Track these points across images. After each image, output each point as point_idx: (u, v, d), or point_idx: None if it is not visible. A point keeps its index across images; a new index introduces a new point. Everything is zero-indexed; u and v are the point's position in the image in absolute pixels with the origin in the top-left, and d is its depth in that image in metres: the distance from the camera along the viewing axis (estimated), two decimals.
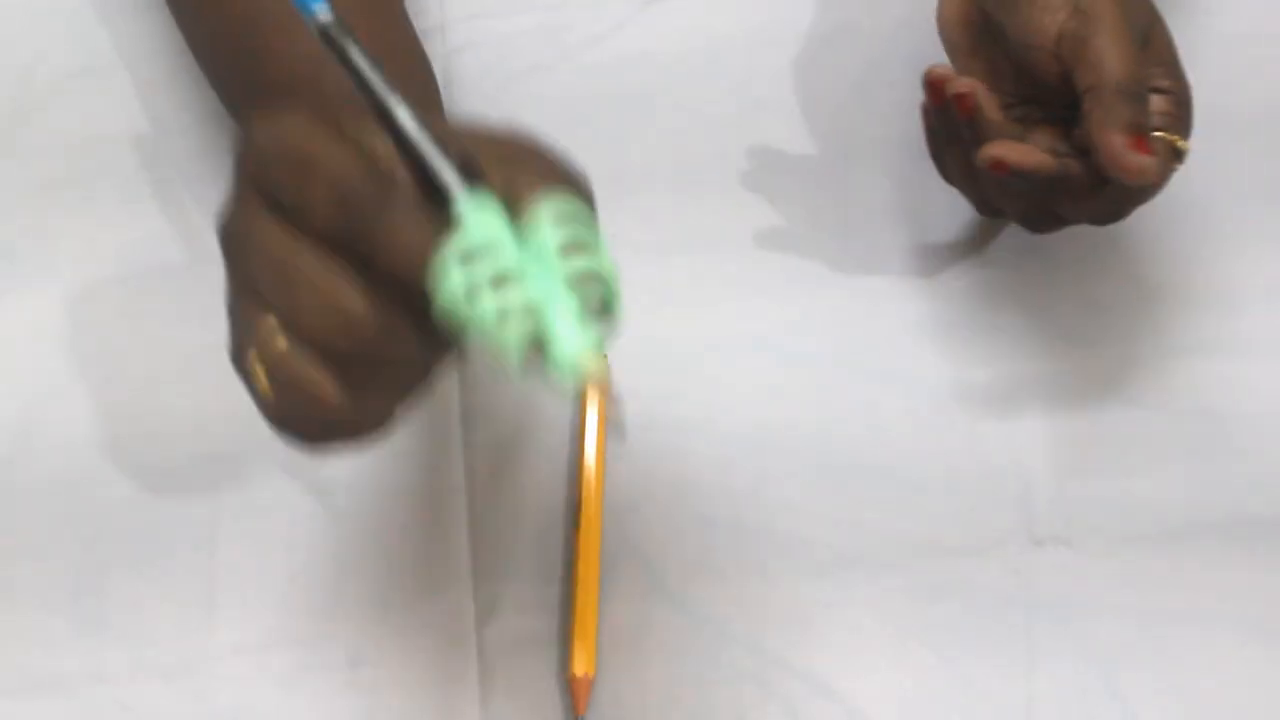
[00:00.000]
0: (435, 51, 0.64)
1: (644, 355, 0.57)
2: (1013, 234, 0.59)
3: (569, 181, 0.40)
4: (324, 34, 0.41)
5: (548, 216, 0.38)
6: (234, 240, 0.41)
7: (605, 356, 0.37)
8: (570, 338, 0.36)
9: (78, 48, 0.66)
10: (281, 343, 0.40)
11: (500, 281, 0.36)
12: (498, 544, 0.55)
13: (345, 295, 0.38)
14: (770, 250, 0.59)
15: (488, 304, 0.36)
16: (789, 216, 0.60)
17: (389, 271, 0.38)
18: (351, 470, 0.56)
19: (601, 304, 0.38)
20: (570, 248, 0.37)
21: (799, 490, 0.55)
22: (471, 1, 0.65)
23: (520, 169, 0.39)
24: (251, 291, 0.41)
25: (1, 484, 0.56)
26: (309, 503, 0.55)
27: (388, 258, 0.38)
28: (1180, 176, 0.51)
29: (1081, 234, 0.57)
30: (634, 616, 0.53)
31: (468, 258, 0.37)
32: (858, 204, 0.60)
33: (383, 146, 0.40)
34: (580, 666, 0.52)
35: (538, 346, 0.36)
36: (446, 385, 0.57)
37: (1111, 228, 0.57)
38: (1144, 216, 0.54)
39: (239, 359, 0.41)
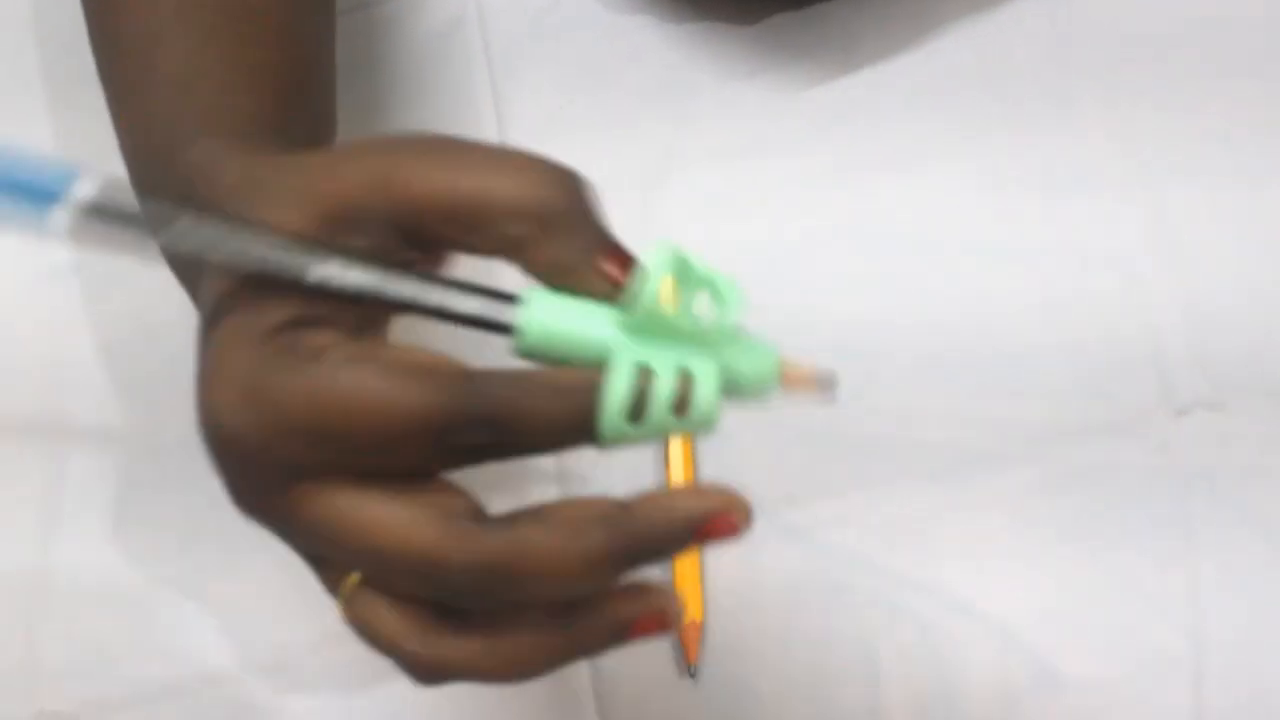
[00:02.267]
0: None
1: (718, 263, 0.53)
2: (1111, 84, 0.53)
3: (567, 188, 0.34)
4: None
5: (658, 286, 0.33)
6: (275, 523, 0.35)
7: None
8: (749, 368, 0.34)
9: None
10: (365, 610, 0.35)
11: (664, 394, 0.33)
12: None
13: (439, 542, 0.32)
14: (843, 140, 0.55)
15: (658, 415, 0.32)
16: (862, 96, 0.55)
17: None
18: None
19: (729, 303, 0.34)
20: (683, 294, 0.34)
21: (905, 390, 0.50)
22: None
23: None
24: (316, 558, 0.36)
25: (95, 503, 0.56)
26: None
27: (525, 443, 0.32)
28: None
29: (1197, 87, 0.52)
30: (741, 551, 0.49)
31: (626, 409, 0.32)
32: (928, 76, 0.55)
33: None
34: (687, 613, 0.48)
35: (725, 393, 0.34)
36: None
37: (1217, 57, 0.52)
38: None
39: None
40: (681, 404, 0.32)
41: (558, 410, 0.32)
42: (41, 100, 0.61)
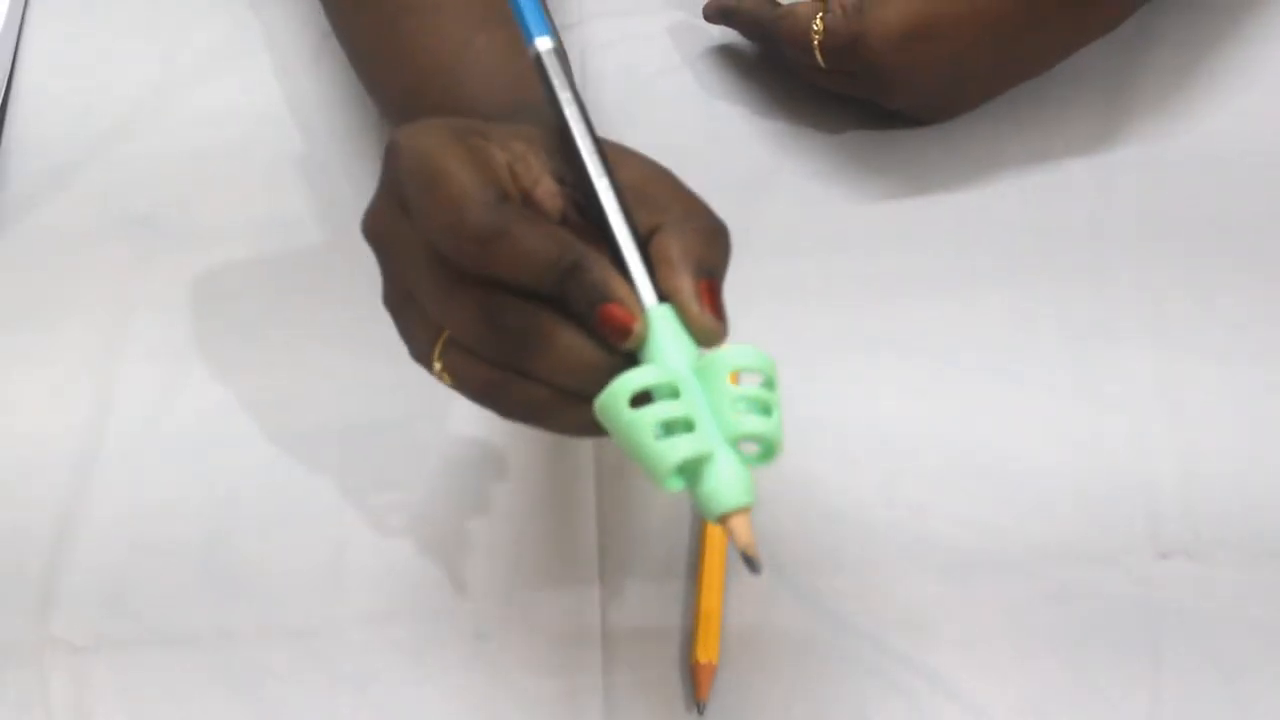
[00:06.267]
0: (572, 46, 0.65)
1: (775, 353, 0.57)
2: (1146, 246, 0.59)
3: (717, 238, 0.43)
4: (538, 62, 0.44)
5: (732, 364, 0.40)
6: (375, 239, 0.45)
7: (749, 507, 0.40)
8: (726, 490, 0.39)
9: (222, 29, 0.68)
10: (454, 360, 0.43)
11: (673, 425, 0.39)
12: (625, 536, 0.55)
13: (484, 316, 0.41)
14: (900, 255, 0.60)
15: (652, 416, 0.39)
16: (924, 219, 0.60)
17: (514, 285, 0.40)
18: (482, 451, 0.56)
19: (760, 456, 0.41)
20: (747, 402, 0.40)
21: (927, 490, 0.55)
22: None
23: (686, 236, 0.42)
24: (405, 293, 0.44)
25: (139, 445, 0.57)
26: (438, 479, 0.56)
27: (510, 274, 0.40)
28: None
29: (1225, 264, 0.58)
30: (758, 610, 0.53)
31: (643, 394, 0.39)
32: (986, 214, 0.60)
33: (532, 165, 0.43)
34: (704, 653, 0.52)
35: (690, 475, 0.40)
36: None
37: (1244, 248, 0.58)
38: None
39: (422, 362, 0.44)
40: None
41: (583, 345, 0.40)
42: None
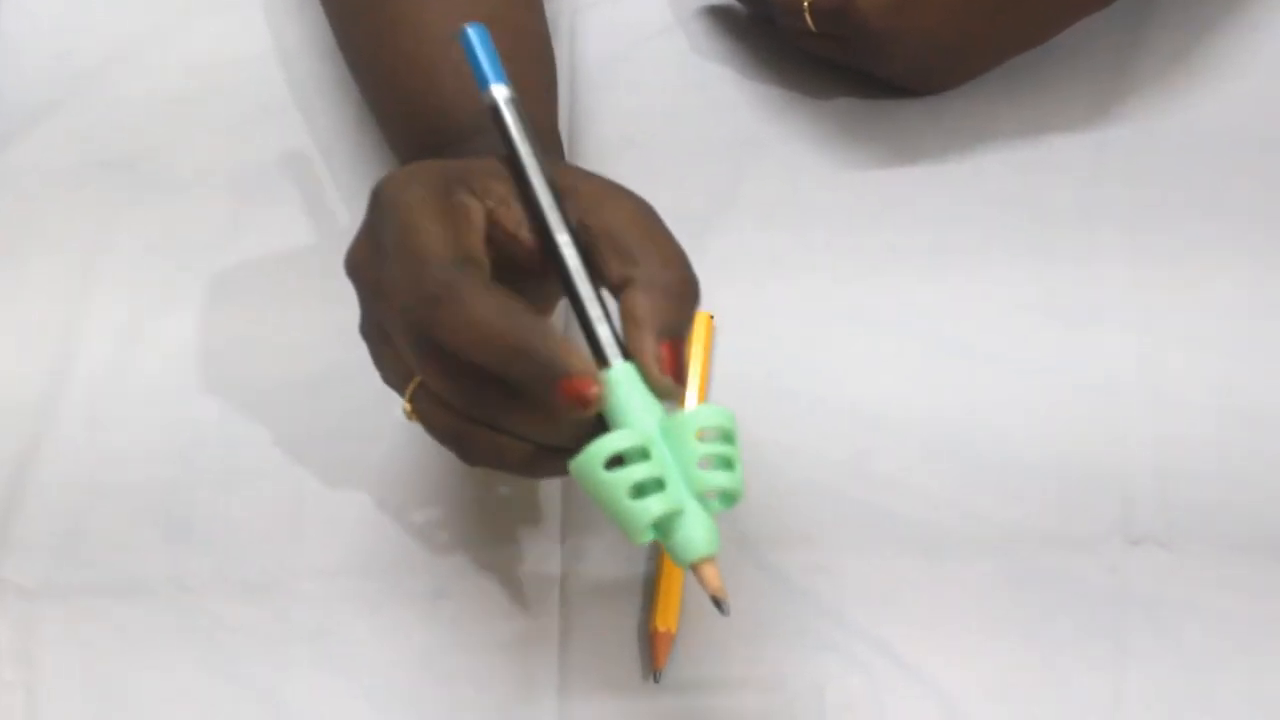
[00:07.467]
0: (563, 5, 0.64)
1: (754, 323, 0.57)
2: (1135, 230, 0.58)
3: (685, 295, 0.43)
4: (494, 112, 0.44)
5: (698, 424, 0.42)
6: (354, 275, 0.46)
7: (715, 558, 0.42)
8: (695, 541, 0.42)
9: None
10: (423, 405, 0.45)
11: (645, 486, 0.41)
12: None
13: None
14: (885, 227, 0.59)
15: (626, 479, 0.41)
16: (911, 190, 0.59)
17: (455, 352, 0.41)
18: None
19: (721, 503, 0.43)
20: (712, 458, 0.42)
21: (900, 467, 0.54)
22: None
23: (652, 285, 0.42)
24: (381, 331, 0.45)
25: (102, 390, 0.57)
26: (399, 433, 0.55)
27: (454, 343, 0.41)
28: None
29: (1214, 253, 0.57)
30: (721, 578, 0.52)
31: (615, 457, 0.41)
32: (975, 189, 0.59)
33: (514, 209, 0.43)
34: (663, 621, 0.51)
35: (661, 529, 0.42)
36: None
37: (1234, 235, 0.57)
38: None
39: (394, 389, 0.46)
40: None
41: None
42: None
